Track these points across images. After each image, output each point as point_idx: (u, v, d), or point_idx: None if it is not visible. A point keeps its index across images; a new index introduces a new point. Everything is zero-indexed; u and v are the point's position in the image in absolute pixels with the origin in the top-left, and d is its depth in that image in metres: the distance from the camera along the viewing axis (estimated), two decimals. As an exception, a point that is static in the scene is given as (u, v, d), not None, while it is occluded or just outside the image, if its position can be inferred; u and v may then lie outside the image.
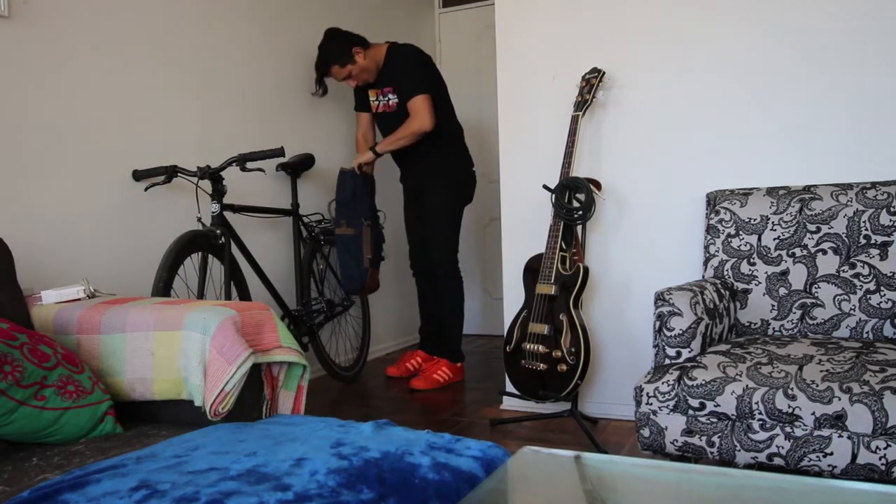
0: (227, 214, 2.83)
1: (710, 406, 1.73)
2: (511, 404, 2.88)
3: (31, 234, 2.15)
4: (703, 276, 2.31)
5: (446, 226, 3.25)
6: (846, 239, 2.11)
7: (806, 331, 2.11)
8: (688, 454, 1.77)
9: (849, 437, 1.57)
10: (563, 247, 2.50)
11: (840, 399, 1.58)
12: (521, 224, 2.85)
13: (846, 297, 2.07)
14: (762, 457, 1.67)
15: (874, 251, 2.07)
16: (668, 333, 1.90)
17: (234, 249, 2.67)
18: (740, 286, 2.22)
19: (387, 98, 3.29)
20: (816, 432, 1.61)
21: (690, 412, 1.75)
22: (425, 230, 3.31)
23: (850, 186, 2.15)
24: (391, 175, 3.88)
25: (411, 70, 3.17)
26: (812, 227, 2.16)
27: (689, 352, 1.90)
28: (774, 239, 2.20)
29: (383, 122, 3.35)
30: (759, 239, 2.22)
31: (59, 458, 1.29)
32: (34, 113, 2.17)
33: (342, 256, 3.14)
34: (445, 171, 3.29)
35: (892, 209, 2.07)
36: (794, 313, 2.13)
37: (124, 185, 2.47)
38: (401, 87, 3.18)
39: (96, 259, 2.35)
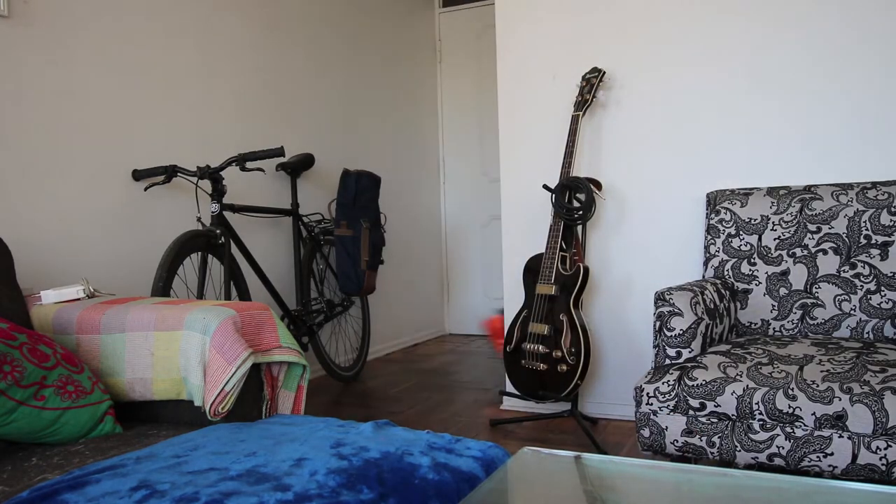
0: (227, 214, 2.83)
1: (710, 406, 1.73)
2: (511, 404, 2.88)
3: (31, 234, 2.15)
4: (704, 276, 2.30)
5: None
6: (847, 239, 2.10)
7: (806, 331, 2.11)
8: (688, 454, 1.77)
9: (849, 438, 1.57)
10: (564, 247, 2.50)
11: (840, 399, 1.58)
12: (522, 224, 2.84)
13: (846, 297, 2.07)
14: (762, 457, 1.67)
15: (875, 251, 2.07)
16: (669, 333, 1.90)
17: (234, 249, 2.67)
18: (741, 286, 2.22)
19: None
20: (817, 433, 1.61)
21: (691, 412, 1.75)
22: None
23: (850, 186, 2.15)
24: (392, 175, 3.88)
25: None
26: (812, 227, 2.16)
27: (690, 352, 1.90)
28: (775, 239, 2.20)
29: None
30: (760, 239, 2.22)
31: (58, 458, 1.29)
32: (34, 113, 2.17)
33: (340, 257, 3.14)
34: None
35: (892, 209, 2.07)
36: (795, 313, 2.13)
37: (124, 185, 2.47)
38: None
39: (96, 259, 2.35)
